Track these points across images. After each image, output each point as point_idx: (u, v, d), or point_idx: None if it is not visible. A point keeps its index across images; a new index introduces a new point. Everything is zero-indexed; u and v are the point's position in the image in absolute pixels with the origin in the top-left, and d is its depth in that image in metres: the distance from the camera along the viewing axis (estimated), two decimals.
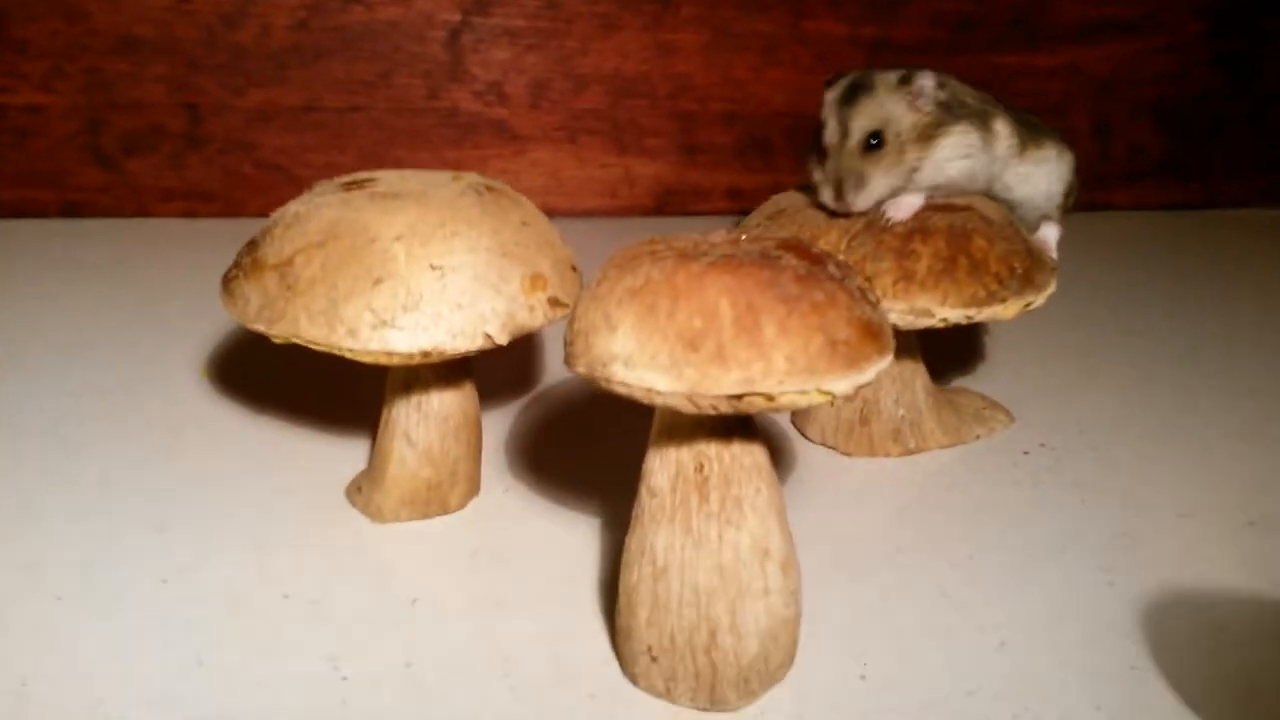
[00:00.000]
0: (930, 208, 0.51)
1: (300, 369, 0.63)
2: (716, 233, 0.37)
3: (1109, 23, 0.98)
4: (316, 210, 0.44)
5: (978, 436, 0.58)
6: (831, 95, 0.52)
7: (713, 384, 0.32)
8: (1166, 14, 0.98)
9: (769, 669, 0.38)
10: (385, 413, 0.48)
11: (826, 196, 0.51)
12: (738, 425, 0.36)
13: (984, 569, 0.47)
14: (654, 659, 0.38)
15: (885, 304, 0.48)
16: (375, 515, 0.48)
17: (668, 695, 0.38)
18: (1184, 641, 0.42)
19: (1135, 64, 1.00)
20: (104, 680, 0.38)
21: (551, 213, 0.87)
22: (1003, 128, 0.53)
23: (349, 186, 0.45)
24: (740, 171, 0.95)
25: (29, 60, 0.83)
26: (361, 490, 0.49)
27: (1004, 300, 0.49)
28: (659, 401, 0.33)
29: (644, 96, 0.93)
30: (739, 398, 0.32)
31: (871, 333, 0.34)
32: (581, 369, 0.34)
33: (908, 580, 0.46)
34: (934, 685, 0.40)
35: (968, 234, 0.49)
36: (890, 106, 0.51)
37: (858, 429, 0.55)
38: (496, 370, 0.65)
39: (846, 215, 0.51)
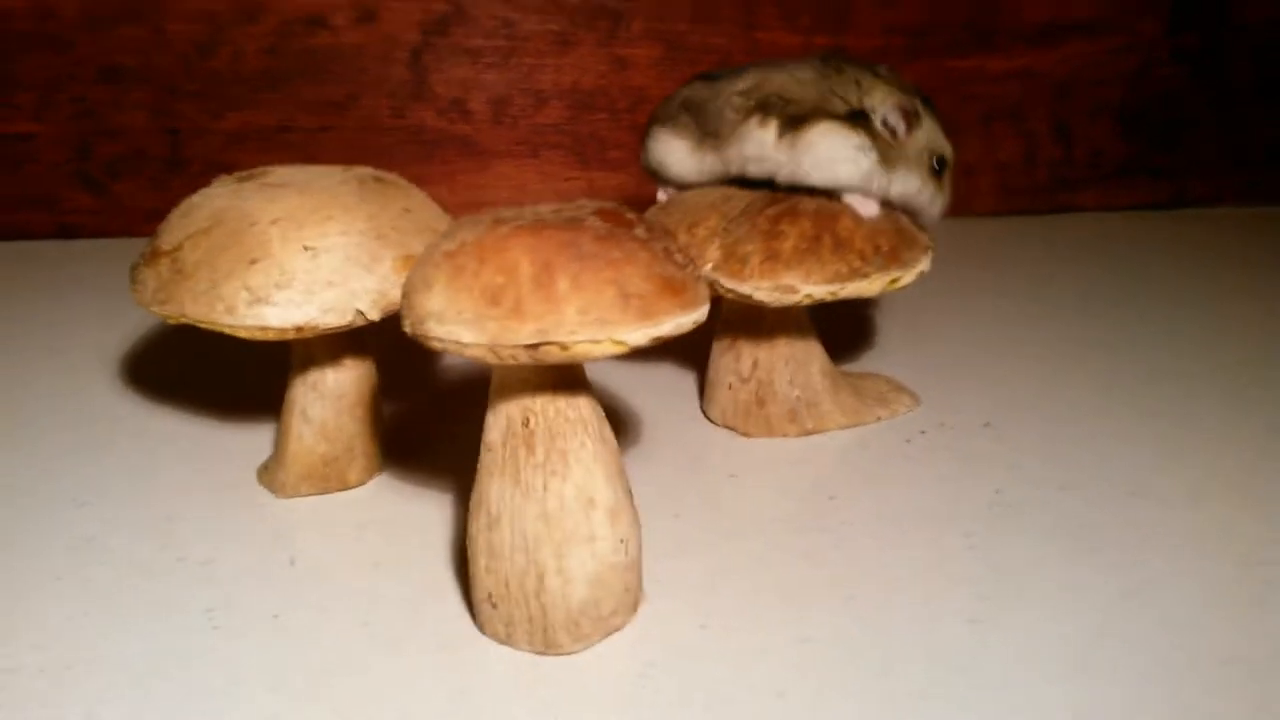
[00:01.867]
0: (806, 190, 0.53)
1: (237, 365, 0.66)
2: (550, 204, 0.40)
3: (1065, 25, 1.00)
4: (208, 200, 0.47)
5: (879, 418, 0.59)
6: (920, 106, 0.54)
7: (511, 335, 0.35)
8: (1124, 15, 0.99)
9: (601, 614, 0.40)
10: (287, 393, 0.51)
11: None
12: (562, 382, 0.39)
13: (852, 535, 0.48)
14: (494, 605, 0.40)
15: (753, 283, 0.50)
16: (278, 490, 0.51)
17: (508, 640, 0.40)
18: (1031, 597, 0.44)
19: (1094, 65, 1.01)
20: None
21: None
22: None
23: (243, 179, 0.49)
24: None
25: (21, 91, 0.88)
26: (268, 468, 0.52)
27: (867, 276, 0.50)
28: (467, 354, 0.35)
29: (603, 110, 0.96)
30: (535, 347, 0.35)
31: (672, 289, 0.37)
32: (407, 327, 0.37)
33: (774, 546, 0.48)
34: (772, 634, 0.41)
35: (835, 215, 0.51)
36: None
37: (755, 410, 0.57)
38: (402, 351, 0.68)
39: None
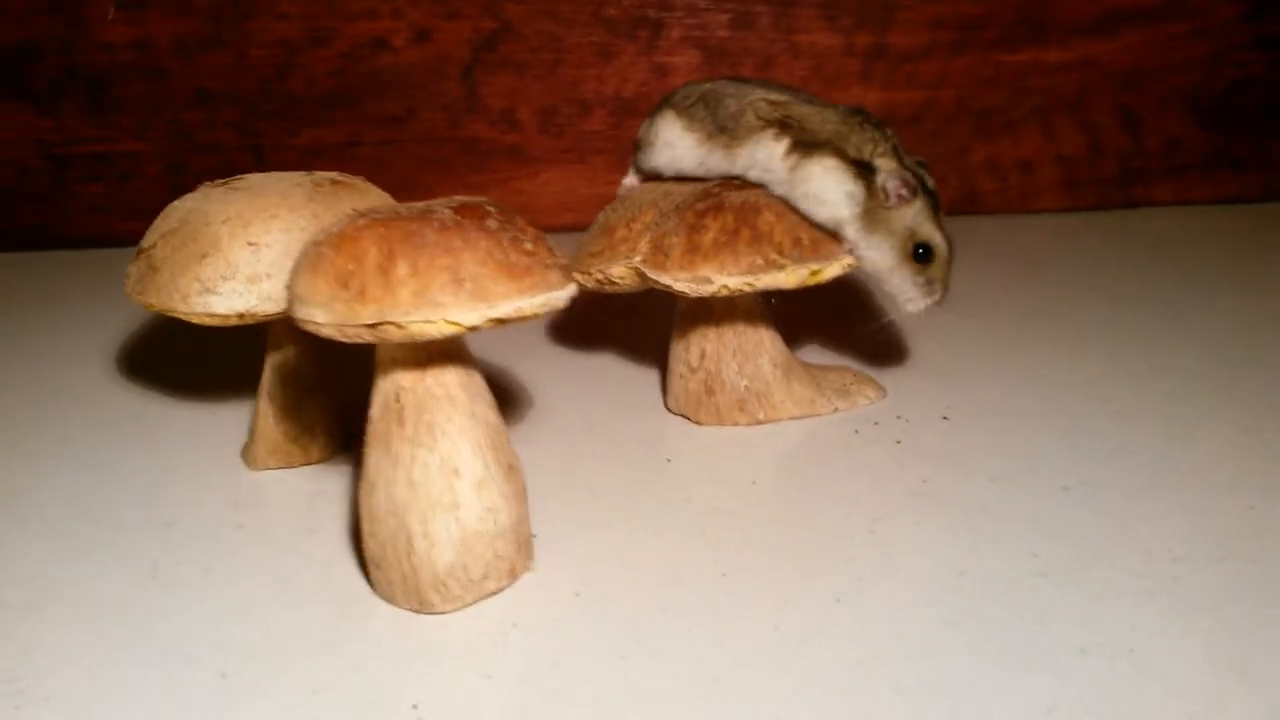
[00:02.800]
0: (728, 185, 0.54)
1: (235, 354, 0.73)
2: (431, 201, 0.44)
3: (1126, 12, 0.95)
4: (183, 204, 0.54)
5: (836, 409, 0.60)
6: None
7: (355, 316, 0.38)
8: (1188, 1, 0.94)
9: (471, 578, 0.43)
10: (261, 377, 0.57)
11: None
12: (431, 361, 0.42)
13: (755, 518, 0.50)
14: (378, 567, 0.44)
15: (672, 274, 0.52)
16: (250, 464, 0.57)
17: (391, 599, 0.44)
18: (907, 580, 0.44)
19: (1160, 53, 0.96)
20: None
21: (565, 228, 0.95)
22: None
23: (217, 185, 0.55)
24: None
25: (125, 115, 1.00)
26: (247, 443, 0.58)
27: (782, 268, 0.51)
28: (323, 333, 0.39)
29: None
30: (375, 327, 0.38)
31: (512, 274, 0.39)
32: (289, 309, 0.42)
33: (675, 525, 0.49)
34: (637, 603, 0.43)
35: (758, 208, 0.53)
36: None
37: (705, 399, 0.59)
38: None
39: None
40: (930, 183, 0.54)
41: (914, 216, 0.53)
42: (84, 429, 0.63)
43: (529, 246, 0.41)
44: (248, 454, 0.57)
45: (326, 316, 0.39)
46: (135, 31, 0.97)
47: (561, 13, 0.97)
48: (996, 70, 0.97)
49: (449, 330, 0.38)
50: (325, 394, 0.56)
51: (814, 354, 0.69)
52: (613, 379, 0.67)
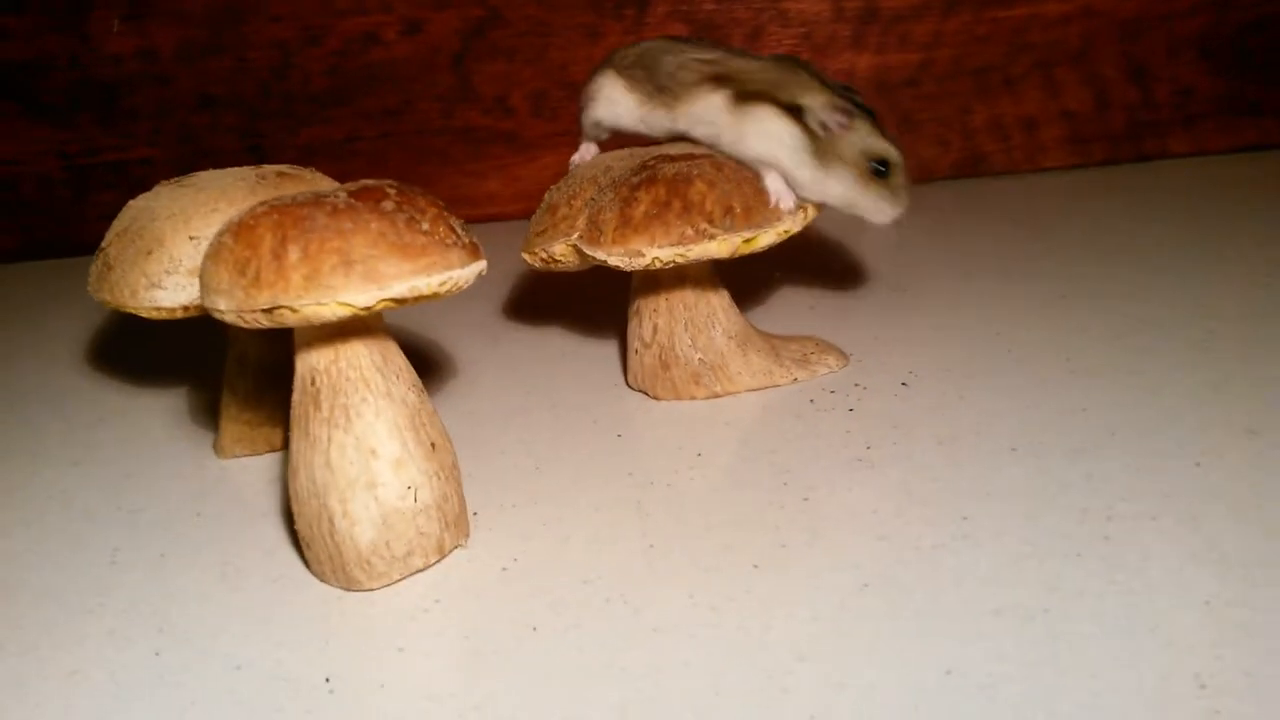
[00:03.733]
0: (664, 158, 0.54)
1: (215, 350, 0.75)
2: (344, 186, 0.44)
3: None
4: (136, 203, 0.55)
5: (795, 379, 0.59)
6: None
7: (251, 302, 0.39)
8: None
9: (395, 555, 0.44)
10: (224, 368, 0.58)
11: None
12: (341, 344, 0.43)
13: (691, 491, 0.49)
14: (308, 547, 0.45)
15: (606, 249, 0.52)
16: (218, 452, 0.59)
17: (322, 577, 0.45)
18: (829, 546, 0.43)
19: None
20: None
21: None
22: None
23: (170, 183, 0.57)
24: None
25: (137, 123, 1.03)
26: (216, 434, 0.60)
27: (713, 238, 0.51)
28: (225, 319, 0.41)
29: None
30: (269, 311, 0.39)
31: (404, 254, 0.40)
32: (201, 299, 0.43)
33: (611, 499, 0.50)
34: (559, 576, 0.44)
35: (689, 179, 0.52)
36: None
37: (660, 374, 0.59)
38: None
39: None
40: (861, 100, 0.54)
41: (861, 138, 0.53)
42: (70, 429, 0.65)
43: (425, 226, 0.41)
44: (216, 444, 0.59)
45: (227, 303, 0.40)
46: (139, 41, 1.00)
47: None
48: (992, 26, 0.94)
49: (342, 312, 0.39)
50: (285, 381, 0.58)
51: (782, 324, 0.68)
52: (578, 357, 0.67)
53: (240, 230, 0.40)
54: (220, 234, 0.41)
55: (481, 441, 0.57)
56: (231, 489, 0.55)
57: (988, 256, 0.78)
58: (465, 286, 0.42)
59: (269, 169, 0.57)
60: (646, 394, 0.60)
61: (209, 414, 0.64)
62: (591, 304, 0.76)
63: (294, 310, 0.39)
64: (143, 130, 1.04)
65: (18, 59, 1.02)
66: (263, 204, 0.42)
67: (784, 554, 0.43)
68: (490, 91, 1.00)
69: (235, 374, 0.57)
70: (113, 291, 0.52)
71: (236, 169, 0.58)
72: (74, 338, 0.82)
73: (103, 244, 0.55)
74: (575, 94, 0.99)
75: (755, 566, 0.42)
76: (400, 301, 0.40)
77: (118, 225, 0.55)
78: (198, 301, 0.51)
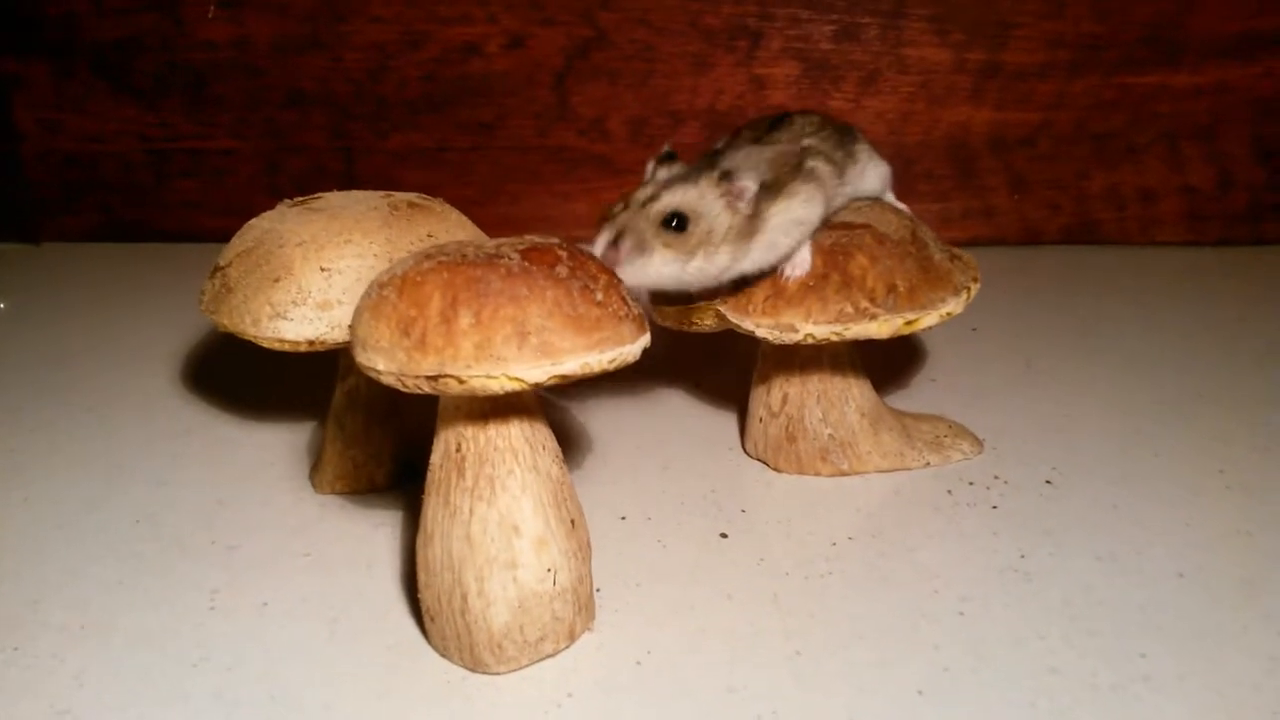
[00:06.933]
0: (823, 227, 0.51)
1: (311, 376, 0.73)
2: (499, 240, 0.41)
3: (1267, 35, 0.88)
4: (260, 223, 0.53)
5: (927, 464, 0.56)
6: (661, 171, 0.49)
7: (415, 366, 0.37)
8: None
9: (527, 640, 0.41)
10: (331, 401, 0.55)
11: (599, 244, 0.45)
12: (495, 411, 0.40)
13: (832, 587, 0.46)
14: (432, 619, 0.42)
15: (755, 319, 0.49)
16: (317, 488, 0.56)
17: (445, 653, 0.42)
18: (997, 677, 0.40)
19: None
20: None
21: None
22: (824, 173, 0.50)
23: (295, 204, 0.54)
24: None
25: (222, 112, 1.01)
26: (313, 467, 0.57)
27: (874, 318, 0.48)
28: (384, 380, 0.38)
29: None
30: (435, 379, 0.36)
31: (580, 328, 0.37)
32: (351, 350, 0.40)
33: (745, 587, 0.46)
34: (701, 679, 0.41)
35: (849, 252, 0.49)
36: (710, 201, 0.46)
37: (785, 446, 0.56)
38: None
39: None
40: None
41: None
42: (153, 440, 0.63)
43: (600, 296, 0.38)
44: (314, 478, 0.56)
45: (387, 364, 0.37)
46: (234, 30, 0.98)
47: (657, 21, 0.94)
48: (1120, 93, 0.91)
49: (511, 386, 0.36)
50: (394, 422, 0.55)
51: (905, 398, 0.65)
52: (688, 415, 0.64)
53: (405, 286, 0.38)
54: (381, 286, 0.39)
55: (594, 502, 0.54)
56: (333, 530, 0.52)
57: (1109, 336, 0.75)
58: (631, 362, 0.39)
59: (400, 198, 0.54)
60: (766, 464, 0.57)
61: (300, 444, 0.62)
62: (705, 358, 0.72)
63: (461, 381, 0.36)
64: (228, 120, 1.01)
65: (110, 38, 1.00)
66: (426, 258, 0.39)
67: (948, 680, 0.40)
68: (588, 113, 0.97)
69: (344, 408, 0.54)
70: (231, 316, 0.50)
71: (364, 193, 0.55)
72: (153, 336, 0.80)
73: (220, 262, 0.53)
74: (675, 122, 0.97)
75: (920, 693, 0.39)
76: (568, 378, 0.37)
77: (239, 244, 0.52)
78: (324, 337, 0.48)
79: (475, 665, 0.41)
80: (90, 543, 0.52)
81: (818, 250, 0.49)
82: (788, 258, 0.49)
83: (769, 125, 0.52)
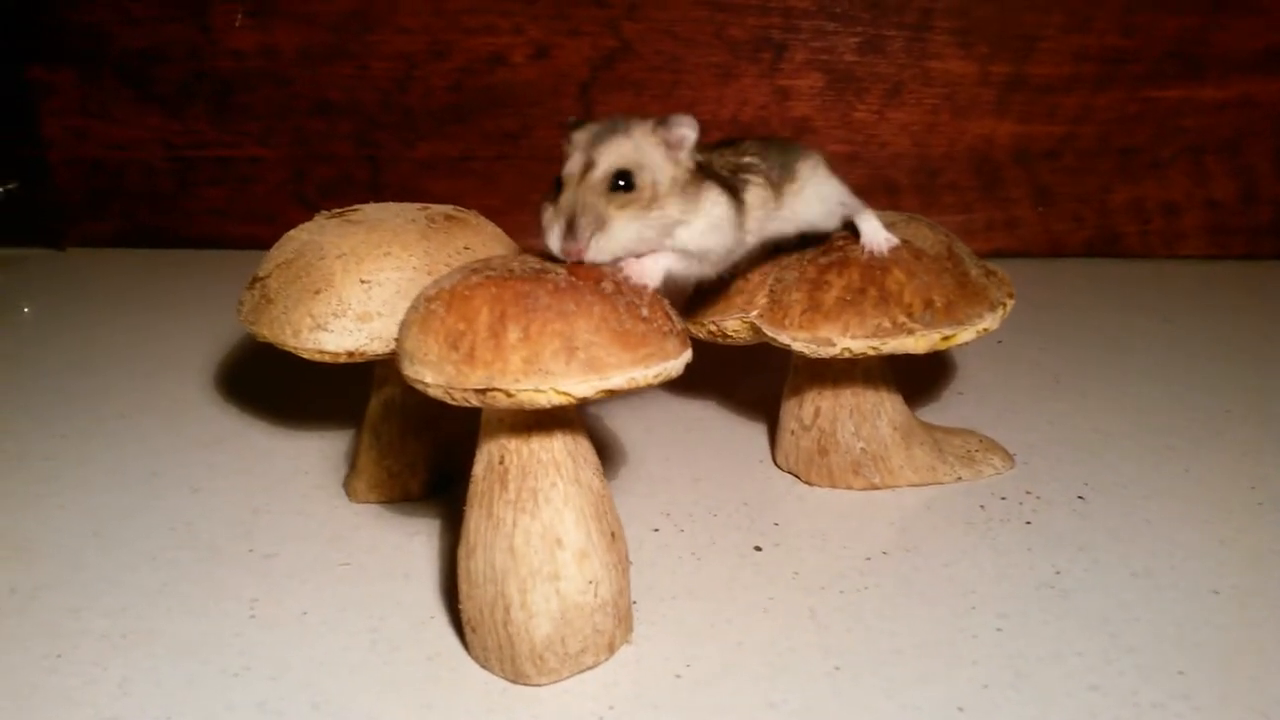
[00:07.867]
0: (853, 239, 0.51)
1: (343, 383, 0.73)
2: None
3: None
4: (299, 234, 0.53)
5: (959, 478, 0.56)
6: (579, 134, 0.43)
7: (463, 379, 0.37)
8: None
9: (568, 652, 0.41)
10: (366, 410, 0.56)
11: (553, 238, 0.40)
12: (538, 424, 0.40)
13: (869, 602, 0.46)
14: (473, 630, 0.42)
15: (792, 333, 0.49)
16: (352, 496, 0.56)
17: (485, 664, 0.42)
18: (1039, 694, 0.40)
19: None
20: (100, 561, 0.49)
21: None
22: (753, 197, 0.47)
23: (333, 215, 0.54)
24: None
25: (250, 120, 1.01)
26: (348, 476, 0.57)
27: (912, 333, 0.48)
28: (431, 393, 0.38)
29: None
30: (483, 392, 0.37)
31: (625, 343, 0.37)
32: (397, 364, 0.40)
33: (782, 600, 0.47)
34: (740, 694, 0.41)
35: (886, 266, 0.49)
36: (647, 151, 0.43)
37: (817, 459, 0.56)
38: None
39: (577, 262, 0.40)
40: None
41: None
42: (186, 448, 0.63)
43: (645, 312, 0.39)
44: (349, 486, 0.57)
45: (435, 377, 0.37)
46: (261, 38, 0.99)
47: (682, 32, 0.94)
48: (1144, 107, 0.91)
49: (558, 400, 0.37)
50: (430, 431, 0.55)
51: (933, 412, 0.65)
52: (717, 427, 0.64)
53: (454, 300, 0.38)
54: (429, 300, 0.39)
55: (627, 514, 0.54)
56: (369, 539, 0.53)
57: (1135, 350, 0.75)
58: (674, 378, 0.40)
59: (437, 210, 0.54)
60: (797, 477, 0.57)
61: (333, 449, 0.62)
62: (734, 369, 0.73)
63: (509, 394, 0.36)
64: (255, 129, 1.02)
65: (137, 45, 1.00)
66: (473, 272, 0.39)
67: (989, 698, 0.40)
68: None
69: (380, 418, 0.55)
70: (271, 327, 0.50)
71: (400, 206, 0.55)
72: (180, 343, 0.80)
73: (260, 273, 0.53)
74: (701, 134, 0.97)
75: (960, 710, 0.39)
76: (614, 393, 0.37)
77: (279, 256, 0.53)
78: (363, 348, 0.49)
79: (516, 677, 0.41)
80: (128, 550, 0.52)
81: (854, 265, 0.50)
82: (691, 255, 0.44)
83: (716, 144, 0.50)
